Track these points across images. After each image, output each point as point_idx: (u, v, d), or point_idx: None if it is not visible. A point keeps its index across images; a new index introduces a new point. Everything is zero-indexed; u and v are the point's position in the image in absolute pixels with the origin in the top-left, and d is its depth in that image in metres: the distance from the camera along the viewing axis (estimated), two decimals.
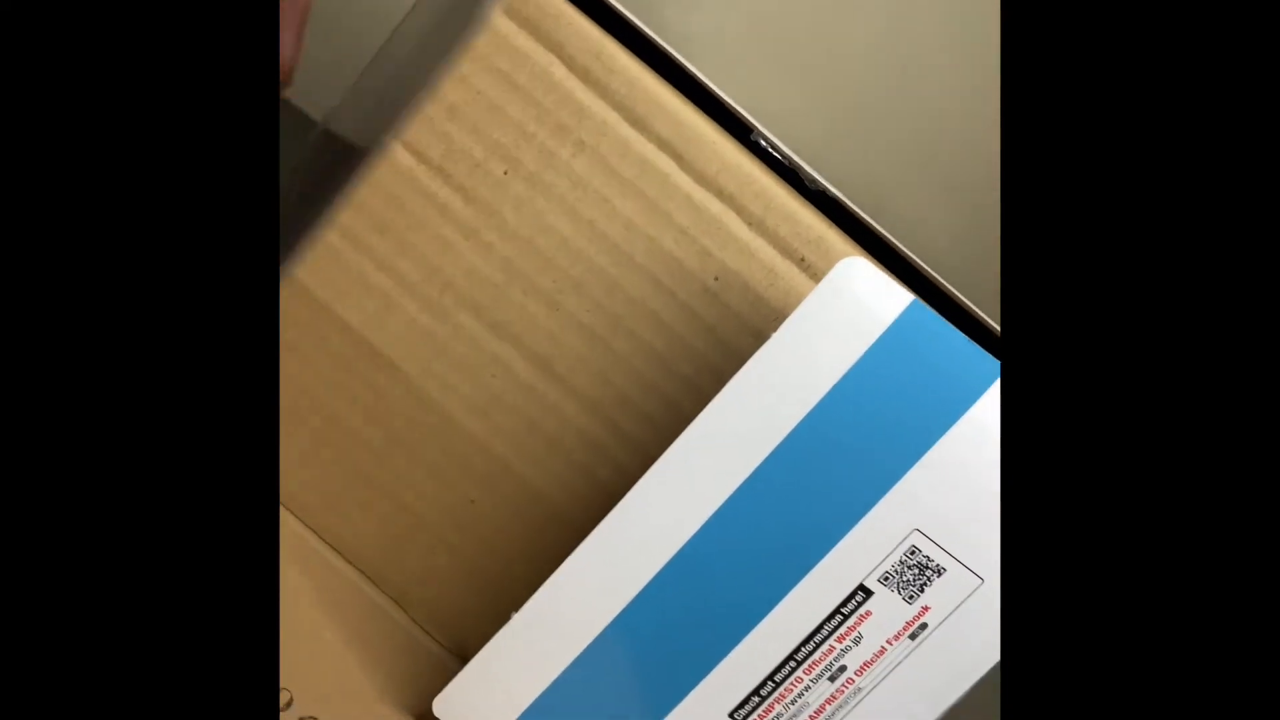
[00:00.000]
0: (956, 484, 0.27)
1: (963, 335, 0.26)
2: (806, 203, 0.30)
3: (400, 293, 0.31)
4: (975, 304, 0.30)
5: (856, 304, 0.26)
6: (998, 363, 0.26)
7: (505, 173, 0.30)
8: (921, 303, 0.26)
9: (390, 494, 0.32)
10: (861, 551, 0.27)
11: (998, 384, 0.26)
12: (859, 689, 0.29)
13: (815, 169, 0.30)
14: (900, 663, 0.28)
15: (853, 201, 0.30)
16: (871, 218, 0.30)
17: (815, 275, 0.29)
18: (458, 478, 0.31)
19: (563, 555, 0.28)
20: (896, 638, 0.28)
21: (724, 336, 0.30)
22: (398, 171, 0.30)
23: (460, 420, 0.31)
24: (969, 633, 0.28)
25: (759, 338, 0.27)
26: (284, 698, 0.29)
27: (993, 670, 0.28)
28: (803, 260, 0.29)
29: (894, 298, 0.26)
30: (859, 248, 0.30)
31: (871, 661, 0.28)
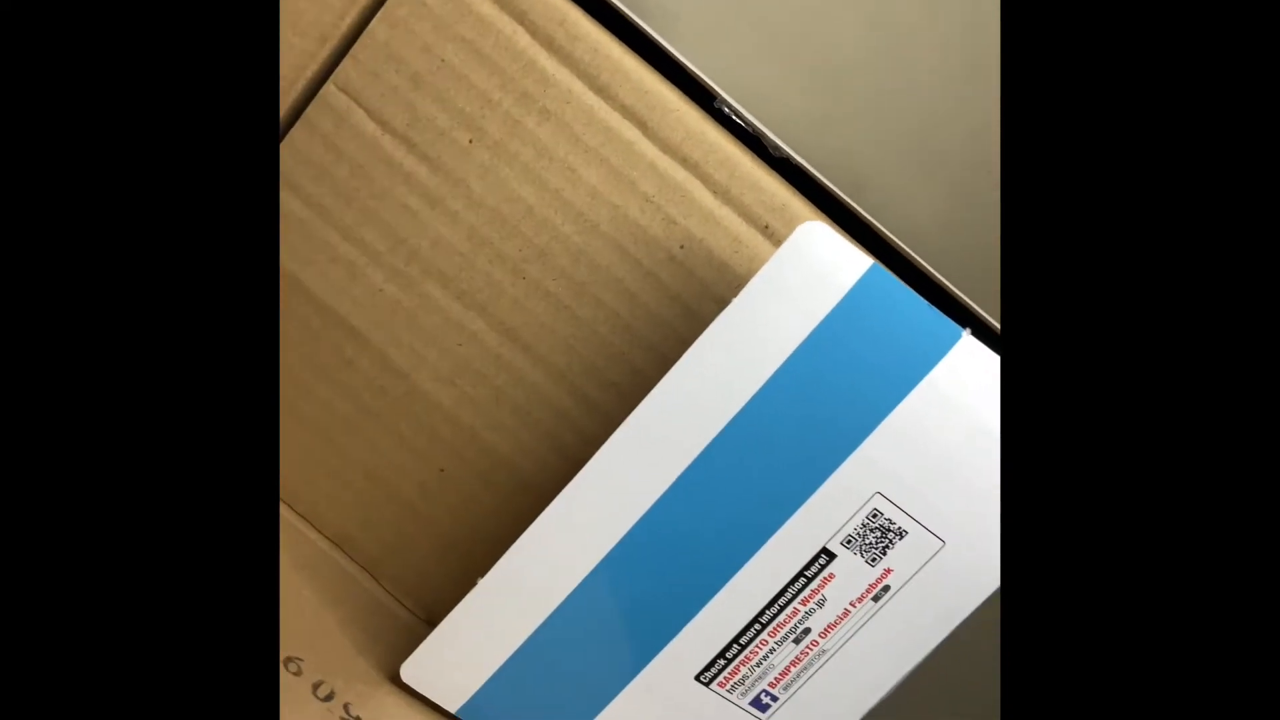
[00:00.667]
0: (917, 447, 0.27)
1: (922, 299, 0.26)
2: (771, 170, 0.30)
3: (366, 262, 0.31)
4: (951, 278, 0.30)
5: (816, 268, 0.26)
6: (958, 327, 0.26)
7: (470, 141, 0.30)
8: (881, 266, 0.26)
9: (359, 463, 0.32)
10: (824, 515, 0.27)
11: (957, 348, 0.26)
12: (823, 651, 0.29)
13: (798, 145, 0.30)
14: (864, 625, 0.29)
15: (833, 178, 0.30)
16: (851, 194, 0.30)
17: (779, 242, 0.29)
18: (426, 446, 0.32)
19: (530, 522, 0.28)
20: (860, 600, 0.28)
21: (689, 304, 0.30)
22: (362, 140, 0.30)
23: (428, 389, 0.31)
24: (931, 594, 0.28)
25: (724, 305, 0.27)
26: None
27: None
28: (767, 227, 0.30)
29: (854, 262, 0.26)
30: (823, 214, 0.30)
31: (836, 624, 0.29)
